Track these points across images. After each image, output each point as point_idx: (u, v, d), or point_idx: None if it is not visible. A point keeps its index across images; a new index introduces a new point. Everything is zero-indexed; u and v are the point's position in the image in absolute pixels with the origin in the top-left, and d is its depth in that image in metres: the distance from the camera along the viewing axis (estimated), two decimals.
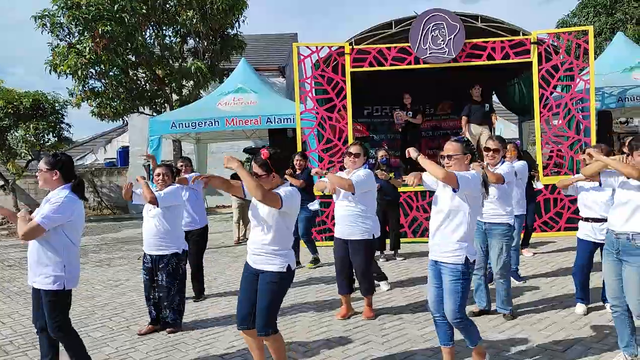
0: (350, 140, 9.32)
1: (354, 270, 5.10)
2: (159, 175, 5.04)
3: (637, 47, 11.34)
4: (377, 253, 7.69)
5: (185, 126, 9.71)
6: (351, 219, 4.88)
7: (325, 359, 4.10)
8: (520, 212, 5.98)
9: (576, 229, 4.97)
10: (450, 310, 3.45)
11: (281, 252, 3.50)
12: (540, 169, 9.19)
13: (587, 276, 4.86)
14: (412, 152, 3.64)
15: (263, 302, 3.46)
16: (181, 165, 6.38)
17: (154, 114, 15.63)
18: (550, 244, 8.28)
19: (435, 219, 3.54)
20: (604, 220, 4.65)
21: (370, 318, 4.98)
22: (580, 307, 4.87)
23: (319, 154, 9.30)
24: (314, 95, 9.37)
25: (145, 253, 4.96)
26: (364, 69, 9.29)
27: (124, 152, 20.21)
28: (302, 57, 9.25)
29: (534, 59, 9.12)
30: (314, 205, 7.77)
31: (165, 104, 15.62)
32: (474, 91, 9.87)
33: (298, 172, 7.51)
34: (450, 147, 3.62)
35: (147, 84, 15.50)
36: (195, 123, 9.70)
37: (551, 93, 9.17)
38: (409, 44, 9.18)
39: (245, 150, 14.56)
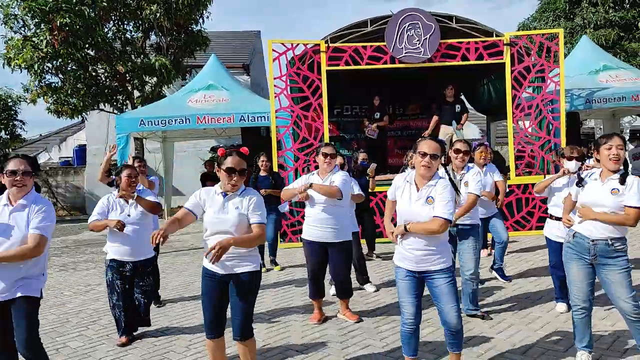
0: (327, 139, 9.22)
1: (334, 273, 4.98)
2: (131, 177, 4.72)
3: (601, 51, 11.70)
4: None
5: (155, 124, 9.33)
6: (333, 222, 4.74)
7: None
8: (490, 215, 6.01)
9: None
10: (455, 316, 3.35)
11: (253, 252, 3.44)
12: (512, 169, 9.33)
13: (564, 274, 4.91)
14: (397, 230, 3.35)
15: (243, 304, 3.35)
16: (139, 166, 5.91)
17: (115, 111, 15.08)
18: (516, 242, 8.37)
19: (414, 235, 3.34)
20: None
21: (358, 320, 4.87)
22: (561, 306, 4.90)
23: (294, 153, 9.13)
24: (289, 93, 9.18)
25: (124, 261, 4.60)
26: (340, 67, 9.18)
27: (81, 151, 19.41)
28: (276, 54, 9.05)
29: (507, 60, 9.25)
30: (285, 208, 7.62)
31: (127, 101, 15.10)
32: (448, 92, 9.93)
33: (263, 173, 7.27)
34: (435, 147, 3.44)
35: (107, 80, 14.92)
36: (165, 121, 9.34)
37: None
38: (384, 43, 9.14)
39: (213, 149, 14.26)
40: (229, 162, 3.30)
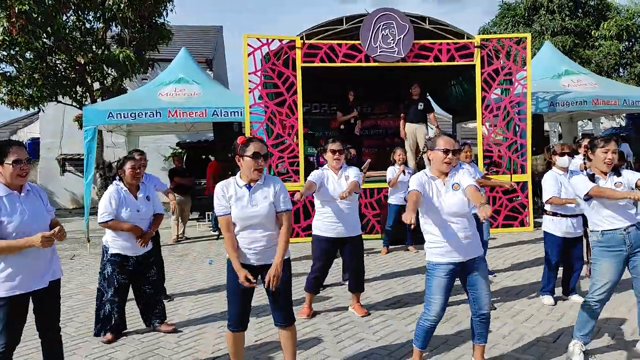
0: (301, 136, 9.20)
1: (354, 267, 4.99)
2: (135, 168, 4.61)
3: (563, 56, 12.18)
4: None
5: (124, 117, 9.04)
6: (352, 217, 4.88)
7: (324, 359, 3.94)
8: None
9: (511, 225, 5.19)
10: (489, 302, 3.48)
11: None
12: (481, 168, 9.57)
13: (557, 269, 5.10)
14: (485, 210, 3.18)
15: (283, 291, 3.35)
16: (140, 159, 5.75)
17: (74, 103, 14.56)
18: (492, 240, 8.61)
19: (449, 221, 3.42)
20: (579, 215, 4.93)
21: (366, 314, 4.90)
22: (549, 299, 5.08)
23: (267, 149, 9.03)
24: (263, 88, 9.10)
25: (128, 256, 4.49)
26: (315, 64, 9.18)
27: (34, 144, 18.66)
28: (252, 49, 8.96)
29: (477, 62, 9.48)
30: None
31: (86, 93, 14.60)
32: (414, 90, 10.04)
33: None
34: (454, 142, 3.53)
35: (66, 71, 14.37)
36: (135, 113, 9.07)
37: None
38: (359, 42, 9.20)
39: (180, 145, 13.98)
40: (252, 148, 3.25)
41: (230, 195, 3.28)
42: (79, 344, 4.42)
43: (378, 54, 9.21)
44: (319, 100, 12.99)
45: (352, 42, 9.23)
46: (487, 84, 9.54)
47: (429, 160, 3.55)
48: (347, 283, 5.94)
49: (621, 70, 18.00)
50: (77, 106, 14.48)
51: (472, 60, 9.49)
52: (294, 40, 9.12)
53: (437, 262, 3.42)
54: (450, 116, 14.89)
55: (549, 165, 5.29)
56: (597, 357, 3.77)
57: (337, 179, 4.85)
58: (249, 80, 9.00)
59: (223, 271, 7.00)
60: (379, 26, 9.19)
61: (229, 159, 10.03)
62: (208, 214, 11.39)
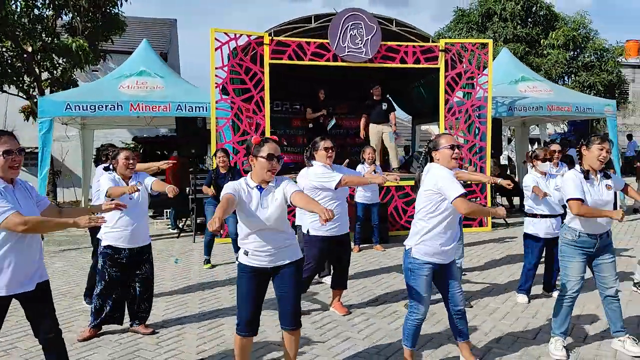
0: (268, 133, 9.09)
1: (343, 264, 4.96)
2: (128, 159, 4.45)
3: (519, 62, 12.62)
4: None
5: (83, 109, 8.64)
6: (344, 215, 4.88)
7: (314, 358, 3.91)
8: None
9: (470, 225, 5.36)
10: (463, 297, 3.58)
11: (294, 242, 3.38)
12: None
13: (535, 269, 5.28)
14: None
15: (294, 294, 3.30)
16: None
17: (20, 93, 13.82)
18: None
19: (453, 222, 3.48)
20: (558, 215, 5.12)
21: (347, 313, 4.91)
22: (524, 298, 5.25)
23: (233, 146, 8.91)
24: (230, 84, 8.94)
25: (121, 248, 4.32)
26: (283, 61, 9.10)
27: None
28: (219, 44, 8.78)
29: (441, 65, 9.66)
30: None
31: (34, 83, 13.88)
32: (375, 91, 10.14)
33: (223, 171, 7.08)
34: (455, 139, 3.65)
35: (12, 60, 13.61)
36: (95, 106, 8.69)
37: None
38: (328, 41, 9.19)
39: (136, 140, 13.54)
40: (267, 149, 3.16)
41: (238, 189, 3.17)
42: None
43: (346, 53, 9.24)
44: (281, 98, 12.89)
45: (321, 40, 9.21)
46: (450, 87, 9.75)
47: (437, 160, 3.57)
48: (324, 281, 5.95)
49: (566, 78, 18.86)
50: (24, 97, 13.76)
51: (437, 64, 9.67)
52: (262, 37, 9.01)
53: (423, 260, 3.46)
54: (410, 117, 15.14)
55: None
56: (577, 350, 3.92)
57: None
58: (216, 75, 8.83)
59: (190, 270, 6.89)
60: (348, 26, 9.21)
61: (192, 154, 9.78)
62: (166, 212, 11.07)
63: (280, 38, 9.13)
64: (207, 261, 7.09)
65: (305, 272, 4.89)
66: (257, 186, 3.20)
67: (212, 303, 5.36)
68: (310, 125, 10.77)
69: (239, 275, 3.28)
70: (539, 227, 5.17)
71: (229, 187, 3.15)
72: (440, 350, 4.02)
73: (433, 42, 9.81)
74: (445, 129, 9.80)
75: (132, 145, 15.32)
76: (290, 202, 3.15)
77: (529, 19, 18.84)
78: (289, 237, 3.30)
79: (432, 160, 3.61)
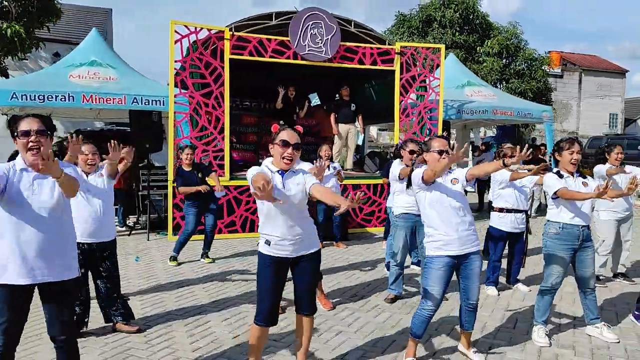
0: (227, 129, 8.98)
1: None
2: (88, 154, 4.25)
3: (465, 68, 13.19)
4: None
5: (31, 99, 8.11)
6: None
7: (314, 352, 3.94)
8: None
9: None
10: (477, 293, 3.72)
11: (314, 233, 3.42)
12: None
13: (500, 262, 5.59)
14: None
15: (311, 282, 3.38)
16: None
17: None
18: None
19: (453, 214, 3.64)
20: (522, 211, 5.46)
21: (331, 308, 4.99)
22: (494, 290, 5.55)
23: (191, 142, 8.71)
24: (190, 78, 8.74)
25: (81, 243, 4.06)
26: (244, 57, 9.01)
27: None
28: (179, 37, 8.57)
29: (396, 67, 9.94)
30: (222, 193, 7.42)
31: None
32: (344, 91, 10.30)
33: (187, 168, 6.94)
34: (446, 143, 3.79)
35: None
36: (44, 96, 8.19)
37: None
38: (288, 38, 9.20)
39: (79, 132, 12.84)
40: (283, 135, 3.18)
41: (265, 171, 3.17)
42: (31, 348, 3.96)
43: (307, 52, 9.29)
44: (231, 94, 12.72)
45: (282, 38, 9.21)
46: (404, 89, 10.05)
47: (425, 161, 3.74)
48: None
49: (498, 85, 19.90)
50: None
51: (393, 66, 9.93)
52: (223, 31, 8.89)
53: (435, 254, 3.60)
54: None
55: None
56: (553, 337, 4.22)
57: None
58: (175, 69, 8.60)
59: (155, 268, 6.69)
60: (308, 25, 9.27)
61: (146, 149, 9.44)
62: (115, 208, 10.61)
63: (241, 33, 9.05)
64: (174, 258, 6.91)
65: None
66: (278, 171, 3.21)
67: (190, 300, 5.25)
68: (281, 122, 10.79)
69: (261, 267, 3.28)
70: (505, 222, 5.48)
71: (254, 169, 3.16)
72: (436, 340, 4.18)
73: (389, 44, 10.07)
74: (400, 130, 10.10)
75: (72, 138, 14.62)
76: (310, 193, 3.19)
77: (467, 27, 19.68)
78: (310, 225, 3.34)
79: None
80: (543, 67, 20.38)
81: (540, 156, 12.86)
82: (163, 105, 8.89)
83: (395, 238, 5.26)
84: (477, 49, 19.11)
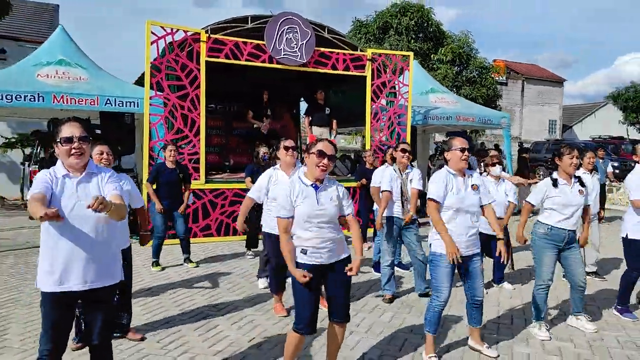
0: (203, 131, 8.90)
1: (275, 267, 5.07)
2: (103, 154, 4.16)
3: (428, 75, 13.60)
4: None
5: None
6: None
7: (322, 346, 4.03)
8: None
9: None
10: (483, 290, 3.93)
11: (344, 241, 3.49)
12: None
13: None
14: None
15: (347, 289, 3.44)
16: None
17: None
18: None
19: (466, 219, 3.85)
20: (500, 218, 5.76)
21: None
22: (508, 285, 5.86)
23: (166, 144, 8.57)
24: (165, 80, 8.60)
25: None
26: (220, 60, 8.97)
27: None
28: (155, 38, 8.43)
29: (368, 73, 10.18)
30: (190, 199, 7.26)
31: None
32: (319, 95, 10.41)
33: (171, 165, 6.84)
34: (466, 142, 4.01)
35: None
36: (12, 96, 7.83)
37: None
38: (264, 42, 9.23)
39: (35, 134, 12.32)
40: (320, 146, 3.26)
41: (297, 194, 3.25)
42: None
43: (282, 56, 9.35)
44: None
45: (257, 42, 9.23)
46: (375, 94, 10.29)
47: (446, 160, 3.92)
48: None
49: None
50: None
51: (364, 72, 10.16)
52: (199, 33, 8.81)
53: (442, 252, 3.79)
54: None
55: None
56: (550, 331, 4.50)
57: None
58: (152, 70, 8.45)
59: (140, 273, 6.55)
60: (284, 29, 9.33)
61: (118, 151, 9.25)
62: None
63: (218, 36, 9.01)
64: (157, 263, 6.80)
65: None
66: (312, 184, 3.30)
67: (190, 305, 5.21)
68: (255, 126, 10.84)
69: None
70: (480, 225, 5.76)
71: (281, 193, 3.33)
72: (455, 334, 4.37)
73: (361, 51, 10.28)
74: (372, 136, 10.32)
75: (12, 140, 14.08)
76: (345, 220, 3.41)
77: (421, 35, 20.28)
78: (340, 234, 3.42)
79: (445, 161, 3.97)
80: (493, 76, 21.29)
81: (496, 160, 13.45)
82: (137, 107, 8.71)
83: (384, 240, 5.51)
84: (432, 56, 19.70)
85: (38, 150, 11.69)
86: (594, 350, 4.16)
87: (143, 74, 10.89)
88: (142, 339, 4.22)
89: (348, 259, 3.44)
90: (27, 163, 13.40)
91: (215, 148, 12.74)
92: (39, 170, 10.76)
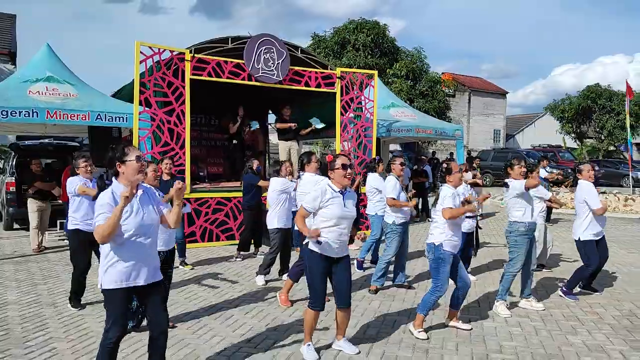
0: (188, 145, 9.53)
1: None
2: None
3: (388, 90, 14.66)
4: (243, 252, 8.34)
5: None
6: None
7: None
8: None
9: None
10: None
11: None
12: None
13: None
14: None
15: (350, 278, 4.29)
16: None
17: None
18: None
19: (460, 222, 4.80)
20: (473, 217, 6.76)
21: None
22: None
23: (154, 157, 9.16)
24: (153, 97, 9.20)
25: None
26: (203, 77, 9.64)
27: None
28: (144, 57, 9.03)
29: (337, 90, 11.09)
30: (188, 209, 7.90)
31: None
32: (285, 111, 11.22)
33: (166, 177, 7.47)
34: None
35: None
36: (7, 112, 8.25)
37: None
38: (243, 61, 9.98)
39: (14, 146, 12.51)
40: (340, 161, 4.08)
41: (327, 197, 4.06)
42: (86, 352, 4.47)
43: (260, 74, 10.11)
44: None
45: (237, 60, 9.97)
46: (344, 109, 11.21)
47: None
48: (284, 278, 6.80)
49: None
50: None
51: (334, 89, 11.06)
52: (184, 53, 9.47)
53: (450, 251, 4.70)
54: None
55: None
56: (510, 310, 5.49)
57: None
58: (141, 87, 9.04)
59: None
60: (261, 50, 10.11)
61: (102, 165, 9.88)
62: (61, 222, 10.64)
63: (201, 55, 9.69)
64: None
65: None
66: (339, 191, 4.13)
67: (200, 301, 5.88)
68: (235, 141, 11.46)
69: (312, 262, 4.14)
70: (396, 217, 6.64)
71: (313, 194, 4.08)
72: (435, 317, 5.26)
73: (331, 69, 11.19)
74: (342, 148, 11.22)
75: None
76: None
77: (377, 50, 21.46)
78: (348, 234, 4.26)
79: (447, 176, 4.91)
80: (443, 89, 22.72)
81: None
82: (126, 121, 9.26)
83: (393, 241, 6.32)
84: (387, 70, 20.89)
85: (13, 163, 11.89)
86: (546, 322, 5.17)
87: (121, 88, 11.48)
88: (173, 327, 4.89)
89: (348, 257, 4.30)
90: None
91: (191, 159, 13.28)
92: (15, 183, 10.91)
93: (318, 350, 4.31)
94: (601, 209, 5.87)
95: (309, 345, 4.25)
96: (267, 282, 6.69)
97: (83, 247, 5.61)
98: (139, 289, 3.45)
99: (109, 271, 3.36)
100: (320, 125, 11.41)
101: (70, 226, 5.63)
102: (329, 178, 4.22)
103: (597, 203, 5.87)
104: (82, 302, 5.67)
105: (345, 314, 4.34)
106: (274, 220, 6.56)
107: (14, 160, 11.81)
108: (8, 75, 17.80)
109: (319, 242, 4.12)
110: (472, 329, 4.95)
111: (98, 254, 4.49)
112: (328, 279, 4.23)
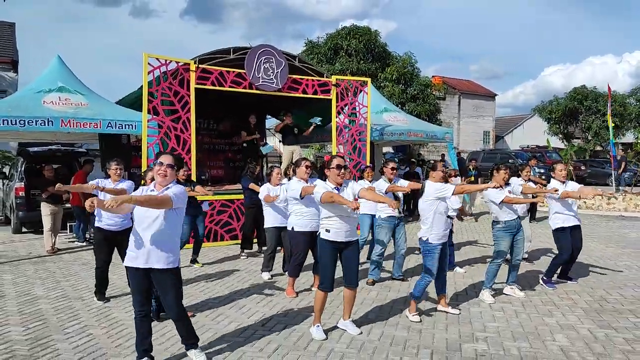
0: (194, 150, 10.09)
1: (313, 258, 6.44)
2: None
3: (381, 95, 15.27)
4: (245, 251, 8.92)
5: (12, 123, 8.68)
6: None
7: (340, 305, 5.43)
8: None
9: None
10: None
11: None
12: None
13: None
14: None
15: (357, 262, 4.89)
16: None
17: None
18: None
19: (445, 217, 5.40)
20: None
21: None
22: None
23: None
24: (161, 105, 9.76)
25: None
26: (207, 86, 10.23)
27: None
28: (151, 68, 9.59)
29: (333, 97, 11.70)
30: (206, 207, 8.53)
31: None
32: (287, 118, 11.83)
33: (183, 179, 8.02)
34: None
35: None
36: (25, 121, 8.78)
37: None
38: (244, 71, 10.57)
39: (23, 153, 13.00)
40: (336, 161, 4.68)
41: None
42: (124, 338, 5.03)
43: (260, 83, 10.71)
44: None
45: (239, 70, 10.56)
46: (339, 114, 11.82)
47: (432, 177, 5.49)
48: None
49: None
50: None
51: (329, 95, 11.68)
52: (189, 64, 10.05)
53: (436, 243, 5.30)
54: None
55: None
56: (494, 297, 6.11)
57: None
58: (148, 97, 9.60)
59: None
60: (261, 59, 10.72)
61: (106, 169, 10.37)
62: (70, 225, 11.17)
63: (205, 66, 10.27)
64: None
65: (294, 261, 6.37)
66: (334, 187, 4.72)
67: (215, 293, 6.46)
68: (245, 145, 12.14)
69: (323, 248, 4.74)
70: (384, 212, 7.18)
71: (322, 187, 4.66)
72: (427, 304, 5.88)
73: (327, 77, 11.81)
74: (337, 151, 11.82)
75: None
76: (358, 196, 4.75)
77: (369, 55, 22.11)
78: (355, 222, 4.86)
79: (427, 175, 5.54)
80: (433, 92, 23.39)
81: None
82: (135, 129, 9.82)
83: (379, 235, 6.91)
84: (379, 75, 21.54)
85: (22, 169, 12.38)
86: (525, 307, 5.81)
87: (126, 96, 12.02)
88: (193, 316, 5.46)
89: (357, 242, 4.89)
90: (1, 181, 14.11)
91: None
92: (25, 188, 11.42)
93: (326, 331, 4.90)
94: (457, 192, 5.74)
95: (318, 326, 4.85)
96: (272, 276, 7.27)
97: (103, 243, 6.09)
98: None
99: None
100: (319, 120, 12.03)
101: (96, 223, 6.16)
102: (326, 176, 4.78)
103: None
104: (106, 296, 6.23)
105: (352, 294, 4.94)
106: (268, 219, 7.16)
107: (23, 166, 12.32)
108: (11, 84, 18.40)
109: (327, 230, 4.71)
110: (460, 313, 5.56)
111: (122, 256, 5.14)
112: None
